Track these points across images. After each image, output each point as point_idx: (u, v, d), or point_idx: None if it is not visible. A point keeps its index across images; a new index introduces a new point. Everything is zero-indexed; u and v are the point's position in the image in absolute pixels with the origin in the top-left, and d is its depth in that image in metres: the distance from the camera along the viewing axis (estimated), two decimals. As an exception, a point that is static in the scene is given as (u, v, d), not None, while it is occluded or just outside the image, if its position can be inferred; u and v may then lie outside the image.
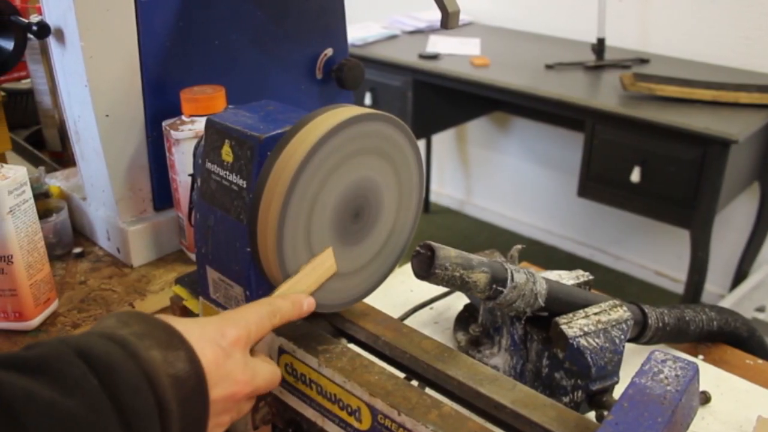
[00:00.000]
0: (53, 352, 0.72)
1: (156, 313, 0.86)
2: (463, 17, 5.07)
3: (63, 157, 2.17)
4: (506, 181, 5.59)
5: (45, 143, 2.22)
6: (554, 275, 1.21)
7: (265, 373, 0.94)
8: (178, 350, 0.80)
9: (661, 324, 1.29)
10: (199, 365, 0.81)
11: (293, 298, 0.98)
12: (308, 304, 1.00)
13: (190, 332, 0.83)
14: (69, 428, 0.67)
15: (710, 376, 1.34)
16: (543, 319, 1.13)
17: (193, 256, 1.60)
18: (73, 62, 1.49)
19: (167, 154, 1.54)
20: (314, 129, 0.96)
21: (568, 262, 5.16)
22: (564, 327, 1.07)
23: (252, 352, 0.95)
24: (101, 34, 1.45)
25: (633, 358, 1.24)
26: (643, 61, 4.23)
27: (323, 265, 1.04)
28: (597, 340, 1.07)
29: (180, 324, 0.84)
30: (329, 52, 1.81)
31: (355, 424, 0.98)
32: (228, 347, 0.87)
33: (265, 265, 1.02)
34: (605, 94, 3.80)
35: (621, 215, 4.69)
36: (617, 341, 1.09)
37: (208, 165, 1.11)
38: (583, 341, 1.06)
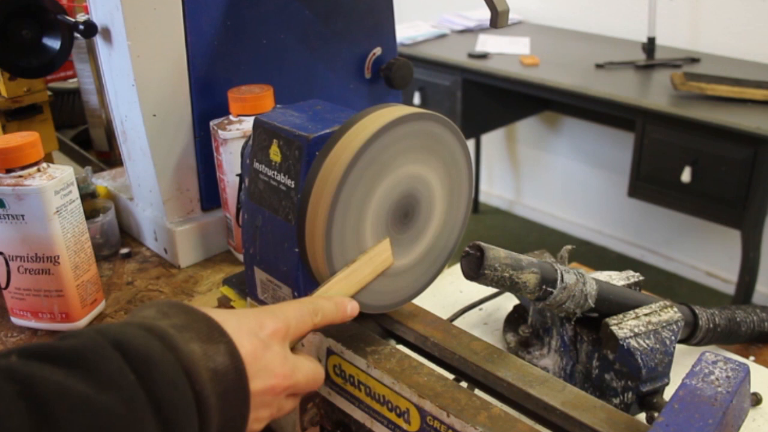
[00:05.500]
0: (89, 343, 0.71)
1: None
2: (513, 16, 5.06)
3: (110, 157, 2.19)
4: (556, 181, 5.57)
5: (92, 143, 2.24)
6: (604, 276, 1.20)
7: (307, 370, 0.93)
8: (218, 344, 0.79)
9: (711, 325, 1.28)
10: (239, 359, 0.80)
11: (337, 299, 0.97)
12: (351, 308, 0.98)
13: (227, 323, 0.82)
14: (103, 424, 0.66)
15: (762, 378, 1.32)
16: (593, 320, 1.12)
17: (240, 257, 1.61)
18: (120, 62, 1.49)
19: (215, 154, 1.54)
20: (363, 129, 0.95)
21: (618, 262, 5.13)
22: (614, 328, 1.06)
23: (294, 351, 0.94)
24: (148, 33, 1.45)
25: (683, 360, 1.22)
26: (694, 60, 4.19)
27: (380, 256, 1.04)
28: (647, 341, 1.06)
29: (218, 315, 0.83)
30: (378, 51, 1.80)
31: (404, 426, 0.97)
32: (266, 338, 0.86)
33: (313, 266, 1.01)
34: (656, 94, 3.77)
35: (672, 215, 4.66)
36: (668, 342, 1.07)
37: (256, 165, 1.11)
38: (633, 342, 1.05)
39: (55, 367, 0.68)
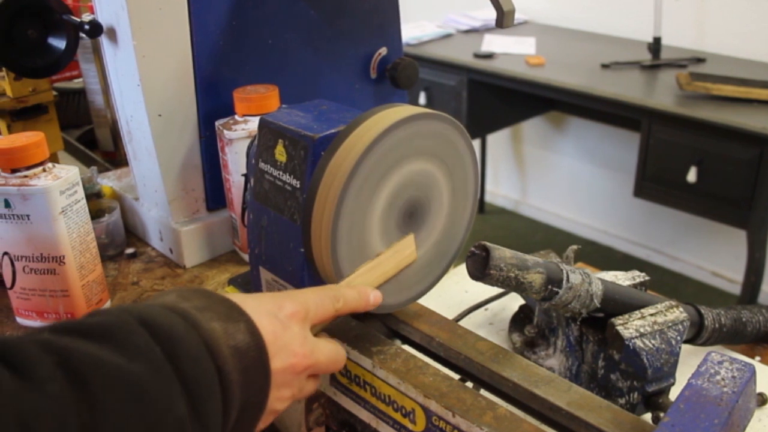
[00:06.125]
0: (117, 320, 0.73)
1: None
2: (519, 16, 5.03)
3: (115, 157, 2.18)
4: (562, 181, 5.56)
5: (97, 143, 2.24)
6: (610, 276, 1.20)
7: (327, 350, 0.93)
8: (238, 322, 0.81)
9: (717, 325, 1.28)
10: (259, 336, 0.82)
11: (359, 288, 0.98)
12: (374, 297, 0.99)
13: (246, 304, 0.84)
14: (135, 393, 0.68)
15: (767, 378, 1.32)
16: (599, 320, 1.12)
17: (246, 257, 1.60)
18: (126, 61, 1.49)
19: (220, 154, 1.54)
20: (368, 129, 0.95)
21: (624, 262, 5.12)
22: (620, 328, 1.06)
23: (316, 336, 0.94)
24: (154, 33, 1.45)
25: (689, 360, 1.22)
26: (700, 60, 4.19)
27: (404, 252, 1.04)
28: (653, 341, 1.06)
29: (237, 298, 0.85)
30: (383, 51, 1.80)
31: (410, 426, 0.97)
32: (285, 319, 0.87)
33: (318, 266, 1.01)
34: (661, 94, 3.77)
35: (677, 215, 4.64)
36: (673, 342, 1.07)
37: (262, 165, 1.11)
38: (639, 342, 1.05)
39: (86, 341, 0.70)
